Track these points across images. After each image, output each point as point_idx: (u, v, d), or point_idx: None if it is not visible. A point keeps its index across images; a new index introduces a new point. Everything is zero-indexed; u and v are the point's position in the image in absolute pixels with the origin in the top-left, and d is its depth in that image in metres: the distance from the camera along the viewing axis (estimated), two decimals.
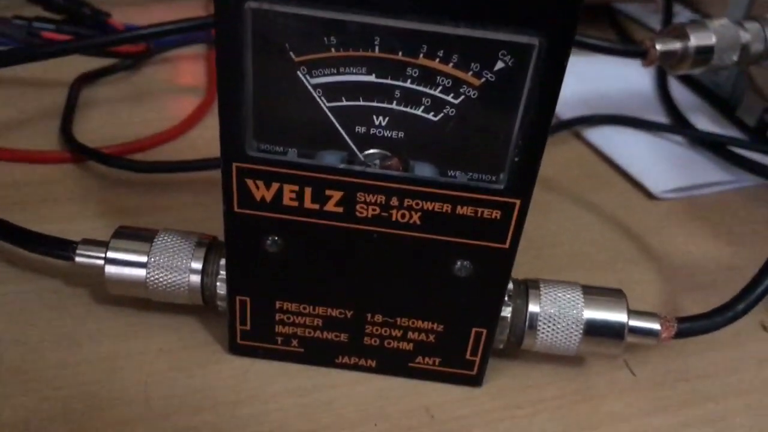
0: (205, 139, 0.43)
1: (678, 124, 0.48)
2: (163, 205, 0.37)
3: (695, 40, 0.40)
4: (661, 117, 0.49)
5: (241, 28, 0.22)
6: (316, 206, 0.25)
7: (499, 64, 0.23)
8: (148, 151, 0.41)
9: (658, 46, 0.40)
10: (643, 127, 0.47)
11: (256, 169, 0.24)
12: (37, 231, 0.30)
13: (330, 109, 0.24)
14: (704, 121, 0.49)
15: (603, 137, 0.46)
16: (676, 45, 0.40)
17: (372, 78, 0.23)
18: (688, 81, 0.54)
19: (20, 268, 0.32)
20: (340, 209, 0.25)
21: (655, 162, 0.44)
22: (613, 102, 0.50)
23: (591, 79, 0.52)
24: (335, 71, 0.23)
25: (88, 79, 0.46)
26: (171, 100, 0.47)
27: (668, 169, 0.44)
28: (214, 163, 0.38)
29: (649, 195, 0.43)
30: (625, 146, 0.46)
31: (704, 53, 0.40)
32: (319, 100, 0.24)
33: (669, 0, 0.59)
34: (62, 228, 0.31)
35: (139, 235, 0.29)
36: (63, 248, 0.29)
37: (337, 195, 0.25)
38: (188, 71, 0.51)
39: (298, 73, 0.23)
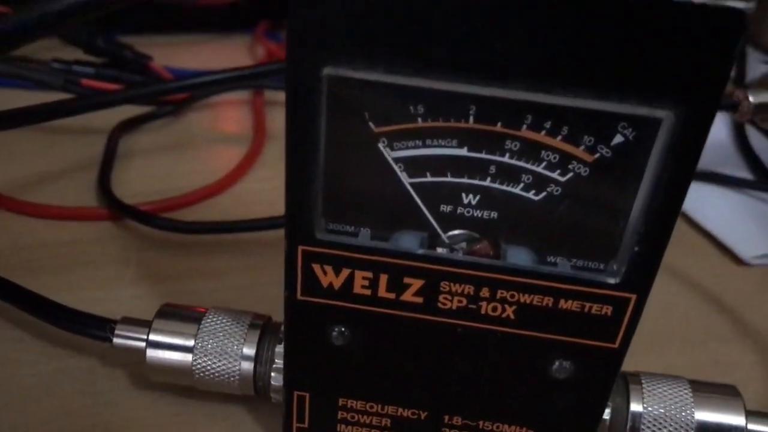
0: (252, 193, 0.40)
1: (763, 180, 0.44)
2: (208, 269, 0.34)
3: None
4: (742, 171, 0.45)
5: (316, 97, 0.19)
6: (392, 295, 0.22)
7: (618, 138, 0.19)
8: (191, 207, 0.38)
9: (752, 98, 0.36)
10: (726, 183, 0.43)
11: (324, 253, 0.21)
12: (71, 305, 0.27)
13: (412, 185, 0.21)
14: None
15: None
16: None
17: (464, 152, 0.20)
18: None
19: (49, 343, 0.29)
20: (419, 299, 0.22)
21: (743, 223, 0.40)
22: None
23: None
24: (420, 144, 0.20)
25: (128, 126, 0.44)
26: (215, 149, 0.44)
27: (757, 232, 0.40)
28: (264, 223, 0.35)
29: (738, 261, 0.39)
30: (708, 206, 0.42)
31: None
32: (399, 175, 0.20)
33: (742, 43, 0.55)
34: (97, 296, 0.29)
35: (186, 315, 0.26)
36: (100, 327, 0.26)
37: (416, 283, 0.21)
38: (232, 118, 0.48)
39: (378, 145, 0.20)
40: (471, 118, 0.19)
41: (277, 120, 0.47)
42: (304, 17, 0.18)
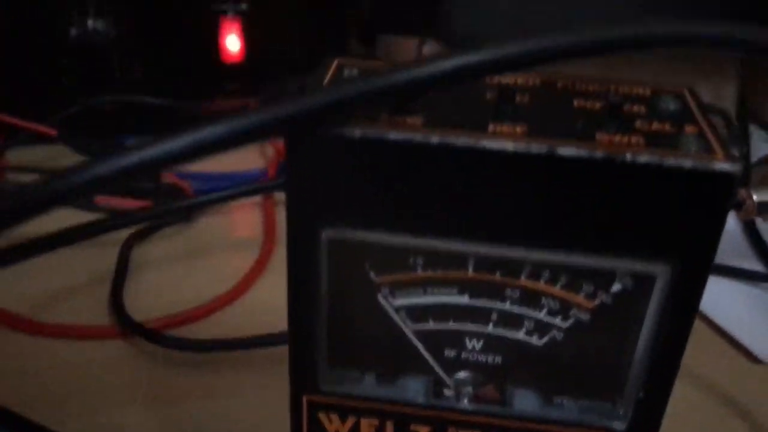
0: (262, 302, 0.40)
1: None
2: (222, 387, 0.34)
3: None
4: (753, 263, 0.45)
5: (317, 256, 0.19)
6: None
7: (617, 286, 0.19)
8: (202, 320, 0.38)
9: (755, 197, 0.36)
10: (737, 276, 0.43)
11: (330, 403, 0.21)
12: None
13: (415, 332, 0.21)
14: None
15: None
16: None
17: (465, 299, 0.20)
18: None
19: None
20: None
21: (757, 319, 0.40)
22: None
23: None
24: (421, 292, 0.20)
25: (141, 236, 0.44)
26: (226, 256, 0.45)
27: None
28: (274, 339, 0.35)
29: (754, 359, 0.38)
30: (721, 301, 0.41)
31: None
32: (401, 323, 0.21)
33: (744, 123, 0.55)
34: (109, 422, 0.28)
35: None
36: None
37: (423, 430, 0.21)
38: (243, 222, 0.49)
39: (379, 294, 0.20)
40: (470, 269, 0.20)
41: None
42: (303, 183, 0.18)
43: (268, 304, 0.40)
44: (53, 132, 0.49)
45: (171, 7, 0.53)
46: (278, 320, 0.37)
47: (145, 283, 0.41)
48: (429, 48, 0.48)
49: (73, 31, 0.52)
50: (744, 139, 0.55)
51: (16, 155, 0.52)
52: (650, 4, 0.47)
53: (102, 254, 0.43)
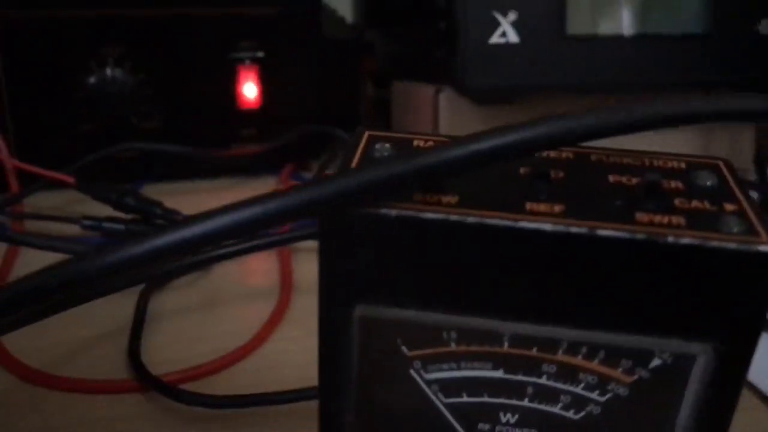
0: (280, 354, 0.40)
1: None
2: None
3: None
4: None
5: (349, 333, 0.19)
6: None
7: (656, 362, 0.19)
8: (220, 373, 0.38)
9: None
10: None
11: None
12: None
13: (447, 405, 0.20)
14: None
15: None
16: None
17: (499, 374, 0.20)
18: None
19: None
20: None
21: None
22: None
23: None
24: (455, 366, 0.20)
25: (158, 284, 0.44)
26: (242, 305, 0.45)
27: None
28: (293, 395, 0.34)
29: None
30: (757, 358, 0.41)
31: None
32: (434, 397, 0.20)
33: (762, 170, 0.55)
34: None
35: None
36: None
37: None
38: (259, 270, 0.48)
39: (411, 368, 0.20)
40: (505, 344, 0.19)
41: (303, 270, 0.47)
42: (336, 260, 0.18)
43: (287, 356, 0.40)
44: (71, 179, 0.49)
45: (188, 55, 0.54)
46: (296, 374, 0.37)
47: (162, 333, 0.41)
48: (445, 95, 0.48)
49: (92, 80, 0.52)
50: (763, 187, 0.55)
51: (34, 202, 0.52)
52: (661, 54, 0.47)
53: (119, 304, 0.43)
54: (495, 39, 0.41)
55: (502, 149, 0.16)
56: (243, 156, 0.57)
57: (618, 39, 0.43)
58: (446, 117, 0.46)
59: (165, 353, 0.39)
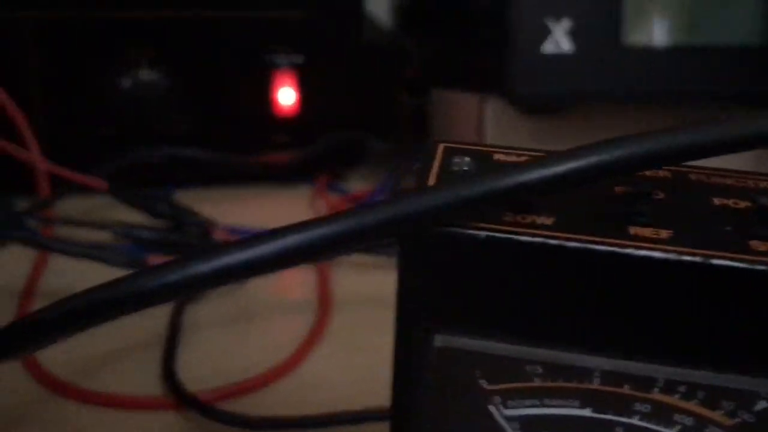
0: (319, 374, 0.38)
1: None
2: None
3: None
4: None
5: (426, 365, 0.17)
6: None
7: (762, 404, 0.17)
8: (256, 392, 0.36)
9: None
10: None
11: None
12: None
13: None
14: None
15: None
16: None
17: (587, 412, 0.18)
18: None
19: None
20: None
21: None
22: None
23: None
24: (538, 403, 0.18)
25: (192, 297, 0.43)
26: (278, 319, 0.43)
27: None
28: (334, 418, 0.33)
29: None
30: None
31: None
32: None
33: None
34: None
35: None
36: None
37: None
38: (297, 282, 0.47)
39: (490, 404, 0.18)
40: (595, 381, 0.18)
41: (342, 284, 0.46)
42: (416, 284, 0.17)
43: (326, 376, 0.38)
44: (102, 184, 0.48)
45: (223, 59, 0.53)
46: (335, 396, 0.35)
47: (197, 350, 0.40)
48: (492, 106, 0.46)
49: (125, 83, 0.51)
50: None
51: (64, 207, 0.51)
52: (717, 65, 0.45)
53: (153, 314, 0.41)
54: (547, 47, 0.39)
55: (614, 165, 0.14)
56: (275, 163, 0.55)
57: (674, 49, 0.41)
58: (492, 127, 0.44)
59: (199, 369, 0.38)
